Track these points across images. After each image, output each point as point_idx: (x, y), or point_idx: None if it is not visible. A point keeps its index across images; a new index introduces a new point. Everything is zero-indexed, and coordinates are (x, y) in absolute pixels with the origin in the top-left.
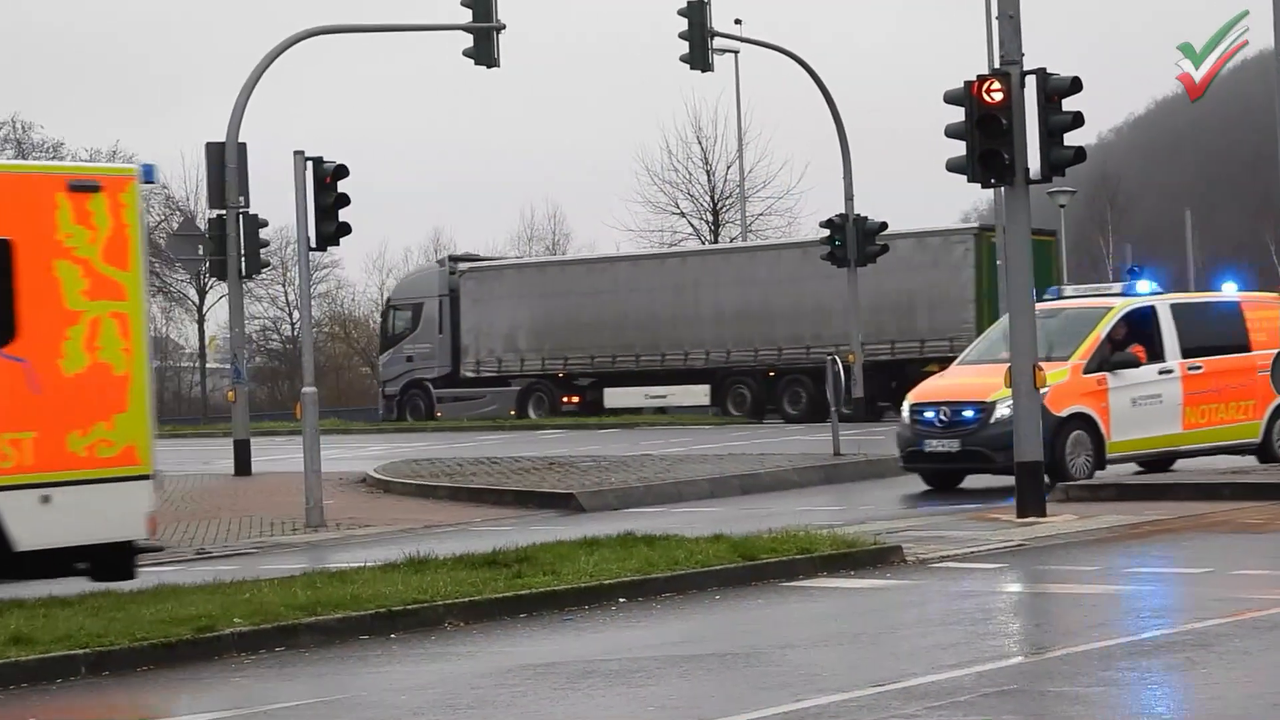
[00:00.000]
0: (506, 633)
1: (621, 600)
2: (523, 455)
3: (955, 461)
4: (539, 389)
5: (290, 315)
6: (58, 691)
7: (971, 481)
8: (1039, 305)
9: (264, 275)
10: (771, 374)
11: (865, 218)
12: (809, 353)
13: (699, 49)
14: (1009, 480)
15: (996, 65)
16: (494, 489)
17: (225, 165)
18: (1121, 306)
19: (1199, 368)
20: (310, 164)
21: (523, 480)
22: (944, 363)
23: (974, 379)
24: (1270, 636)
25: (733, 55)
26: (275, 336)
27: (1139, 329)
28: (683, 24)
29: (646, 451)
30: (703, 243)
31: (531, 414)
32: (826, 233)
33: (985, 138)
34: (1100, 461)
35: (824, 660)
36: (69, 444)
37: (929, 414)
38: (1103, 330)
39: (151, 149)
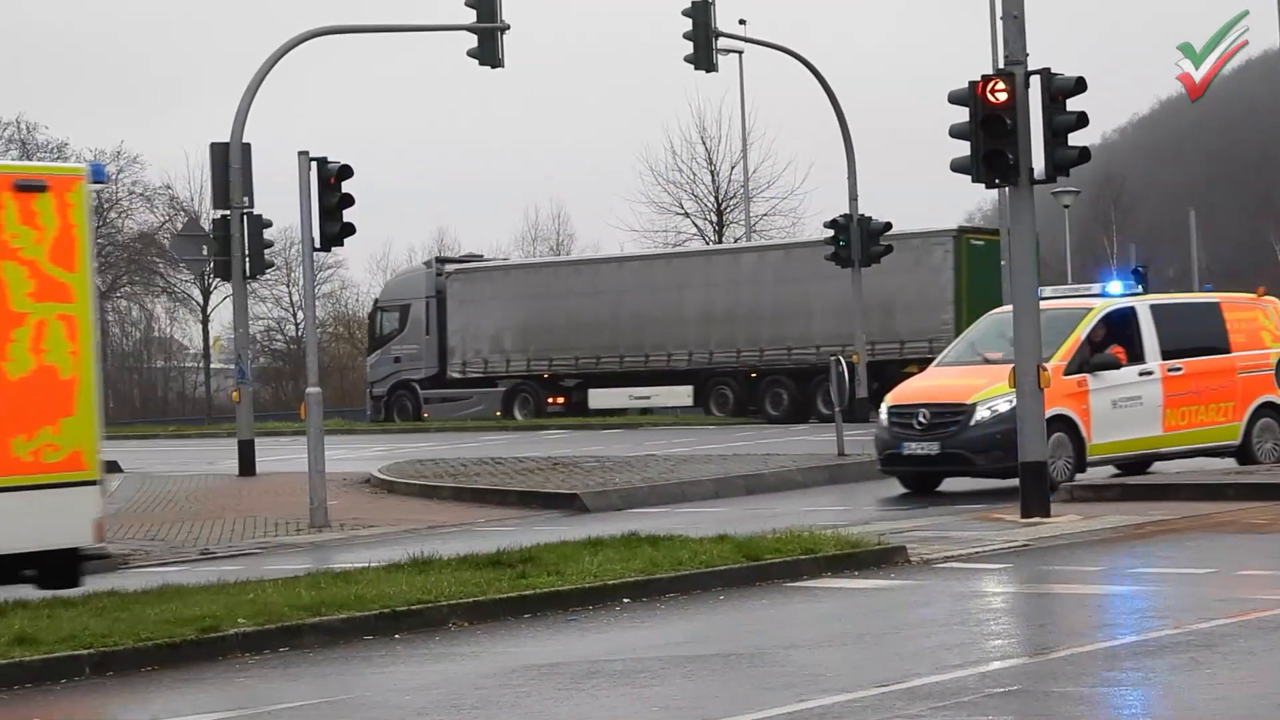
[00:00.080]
0: (511, 633)
1: (626, 601)
2: (526, 456)
3: (935, 464)
4: (524, 390)
5: (294, 316)
6: (62, 692)
7: (950, 484)
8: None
9: (268, 276)
10: (753, 375)
11: (869, 218)
12: (790, 354)
13: (703, 49)
14: (989, 483)
15: (1000, 65)
16: (498, 489)
17: (230, 166)
18: (1101, 307)
19: (1179, 369)
20: (314, 164)
21: (527, 481)
22: (923, 364)
23: (953, 381)
24: (1275, 637)
25: (737, 55)
26: (279, 337)
27: (1119, 330)
28: (686, 24)
29: (650, 452)
30: (707, 243)
31: (517, 415)
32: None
33: (990, 138)
34: (1081, 464)
35: (828, 660)
36: (13, 449)
37: (908, 416)
38: (1082, 331)
39: (151, 149)
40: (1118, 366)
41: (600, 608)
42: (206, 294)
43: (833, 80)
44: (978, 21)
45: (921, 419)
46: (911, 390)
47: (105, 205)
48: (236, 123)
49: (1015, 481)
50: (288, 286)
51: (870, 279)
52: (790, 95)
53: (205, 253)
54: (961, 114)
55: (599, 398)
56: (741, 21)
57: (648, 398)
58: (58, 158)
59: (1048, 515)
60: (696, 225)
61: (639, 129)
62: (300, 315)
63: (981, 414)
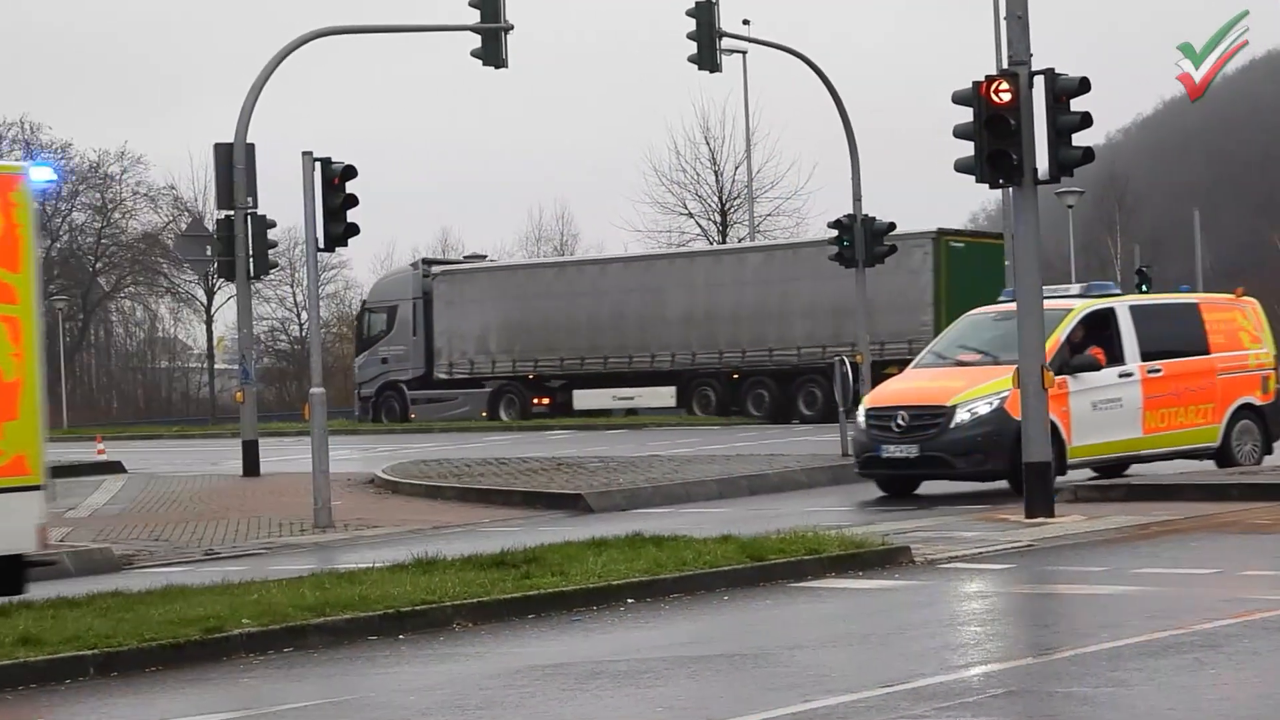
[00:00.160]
0: (515, 633)
1: (630, 601)
2: (530, 456)
3: (914, 467)
4: (510, 390)
5: (298, 316)
6: (66, 692)
7: (928, 488)
8: (996, 308)
9: (272, 276)
10: (735, 376)
11: (873, 218)
12: (772, 355)
13: (707, 49)
14: (968, 486)
15: (1004, 65)
16: (502, 490)
17: (233, 166)
18: (1081, 308)
19: (1158, 370)
20: (318, 165)
21: (531, 481)
22: (903, 365)
23: (932, 383)
24: (1279, 637)
25: (740, 56)
26: (283, 337)
27: (1098, 331)
28: (687, 23)
29: (654, 452)
30: (710, 243)
31: (503, 415)
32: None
33: (993, 138)
34: (1061, 467)
35: (832, 661)
36: None
37: (886, 419)
38: (1062, 333)
39: (153, 149)
40: (1097, 368)
41: (605, 608)
42: (210, 294)
43: (832, 80)
44: (976, 21)
45: (900, 421)
46: (890, 393)
47: (109, 206)
48: (240, 123)
49: (994, 485)
50: (292, 287)
51: (851, 281)
52: (794, 95)
53: (209, 253)
54: (965, 114)
55: (583, 399)
56: (745, 21)
57: (631, 398)
58: (61, 158)
59: (1052, 515)
60: (700, 225)
61: (639, 128)
62: (304, 316)
63: (961, 416)
